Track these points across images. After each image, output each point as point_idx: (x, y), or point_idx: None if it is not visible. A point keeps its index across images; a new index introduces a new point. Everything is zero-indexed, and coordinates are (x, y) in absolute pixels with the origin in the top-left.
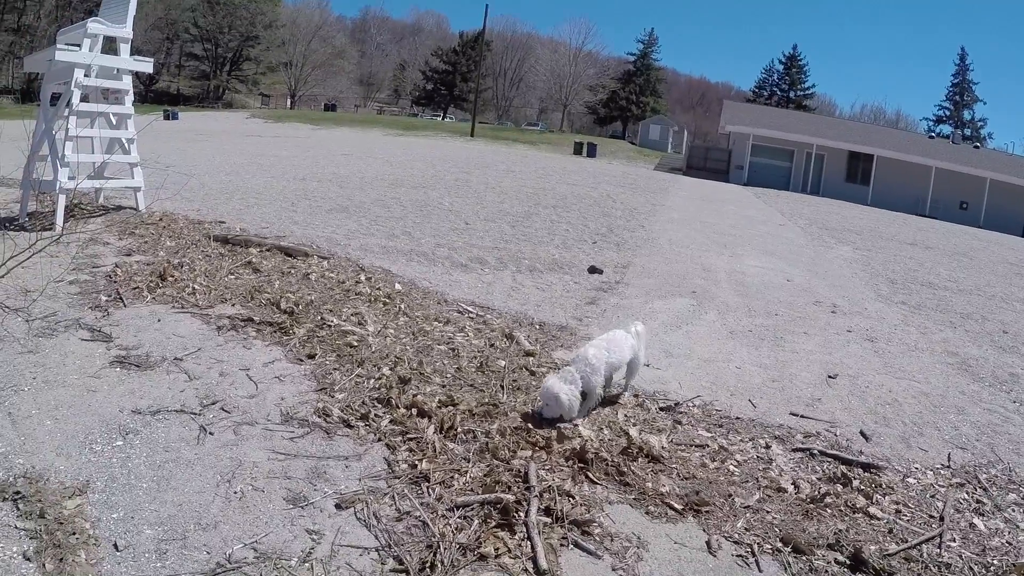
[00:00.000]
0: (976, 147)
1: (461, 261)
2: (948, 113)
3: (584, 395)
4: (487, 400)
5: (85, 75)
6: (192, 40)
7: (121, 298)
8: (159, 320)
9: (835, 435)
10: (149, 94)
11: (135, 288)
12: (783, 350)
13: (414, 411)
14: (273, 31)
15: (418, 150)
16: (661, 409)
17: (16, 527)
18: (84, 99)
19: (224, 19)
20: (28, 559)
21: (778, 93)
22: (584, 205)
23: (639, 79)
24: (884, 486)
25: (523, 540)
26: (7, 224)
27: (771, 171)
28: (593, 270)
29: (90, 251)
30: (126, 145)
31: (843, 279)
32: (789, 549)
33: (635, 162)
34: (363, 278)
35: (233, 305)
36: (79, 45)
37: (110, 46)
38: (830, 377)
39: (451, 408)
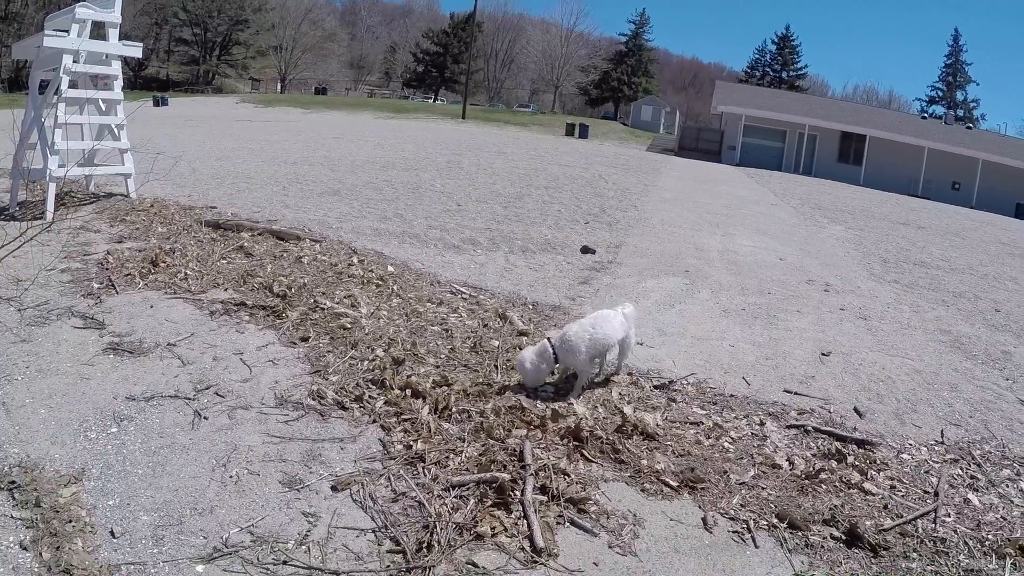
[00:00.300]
0: (968, 128)
1: (454, 242)
2: (941, 94)
3: (557, 369)
4: (481, 380)
5: (74, 61)
6: (181, 25)
7: (113, 285)
8: (152, 306)
9: (829, 412)
10: (138, 80)
11: (127, 275)
12: (776, 328)
13: (408, 392)
14: (263, 15)
15: (409, 132)
16: (655, 387)
17: (12, 516)
18: (73, 85)
19: (213, 3)
20: (25, 548)
21: (771, 74)
22: (576, 186)
23: (631, 60)
24: (879, 462)
25: (519, 519)
26: None
27: (763, 151)
28: (586, 250)
29: (81, 239)
30: (116, 131)
31: (836, 258)
32: (785, 525)
33: (627, 143)
34: (356, 260)
35: (226, 290)
36: (67, 31)
37: (98, 32)
38: (823, 355)
39: (445, 388)
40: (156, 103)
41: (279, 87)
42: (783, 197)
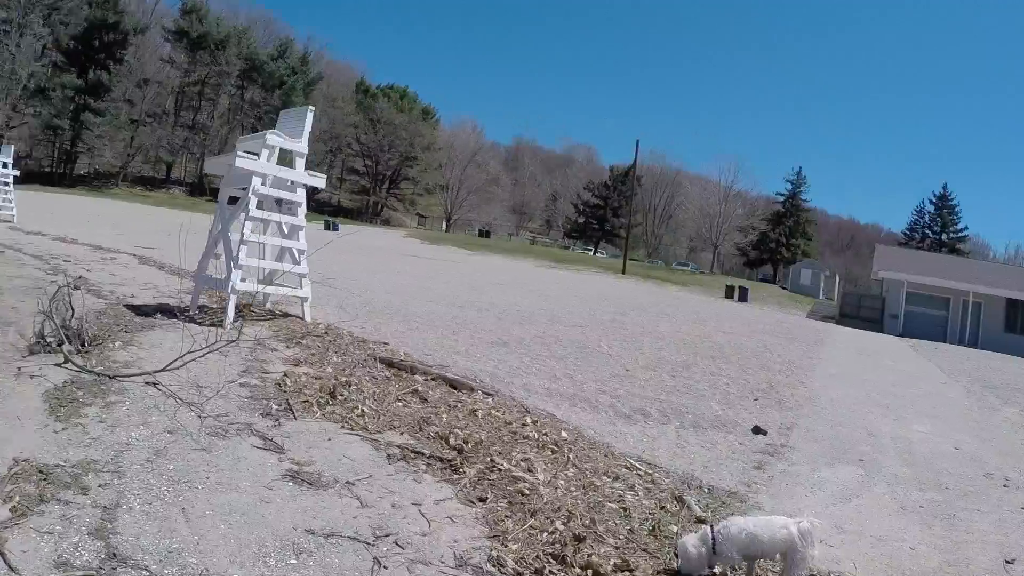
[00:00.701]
0: None
1: (624, 411)
2: None
3: (715, 560)
4: (663, 568)
5: (262, 183)
6: (354, 155)
7: (291, 409)
8: (329, 439)
9: None
10: (311, 203)
11: (304, 401)
12: (956, 529)
13: (589, 572)
14: (431, 153)
15: (571, 285)
16: None
17: None
18: (259, 206)
19: (385, 138)
20: None
21: (930, 236)
22: (742, 356)
23: (788, 221)
24: None
25: None
26: (177, 313)
27: (926, 320)
28: (757, 431)
29: (259, 355)
30: (296, 255)
31: (1013, 447)
32: None
33: (787, 309)
34: (529, 420)
35: (402, 433)
36: (257, 154)
37: (286, 158)
38: (1007, 562)
39: (627, 573)
40: (328, 227)
41: (444, 225)
42: (951, 374)
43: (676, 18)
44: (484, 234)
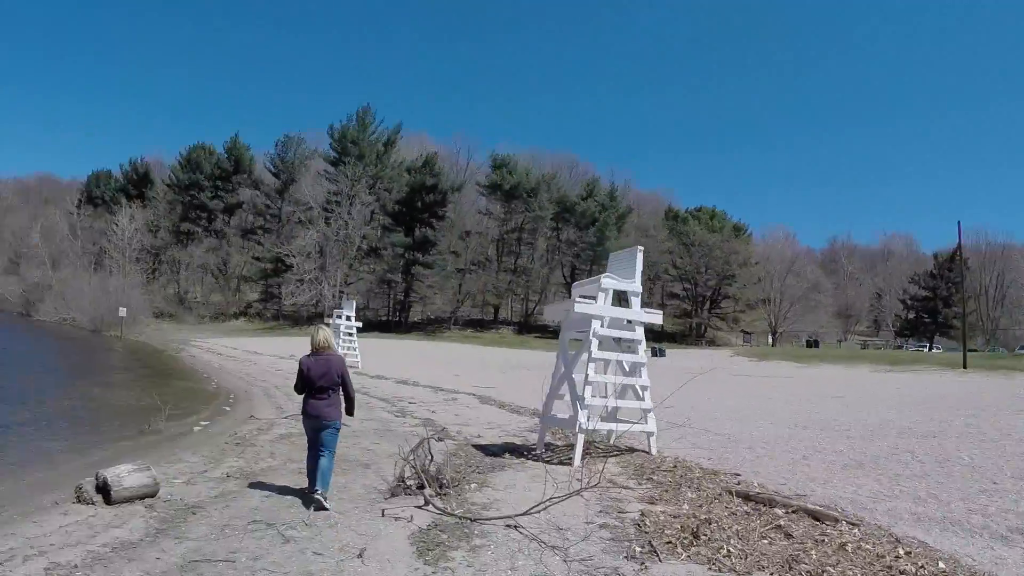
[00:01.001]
0: None
1: (1000, 532)
2: None
3: None
4: None
5: (601, 325)
6: (672, 280)
7: (656, 552)
8: None
9: None
10: None
11: (668, 543)
12: None
13: None
14: (748, 269)
15: (913, 388)
16: None
17: None
18: (599, 346)
19: (700, 259)
20: None
21: None
22: None
23: None
24: None
25: None
26: (525, 452)
27: None
28: None
29: (612, 493)
30: (639, 391)
31: None
32: None
33: None
34: (902, 552)
35: (771, 574)
36: (594, 297)
37: (620, 298)
38: None
39: None
40: (654, 354)
41: (769, 339)
42: None
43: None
44: (812, 344)
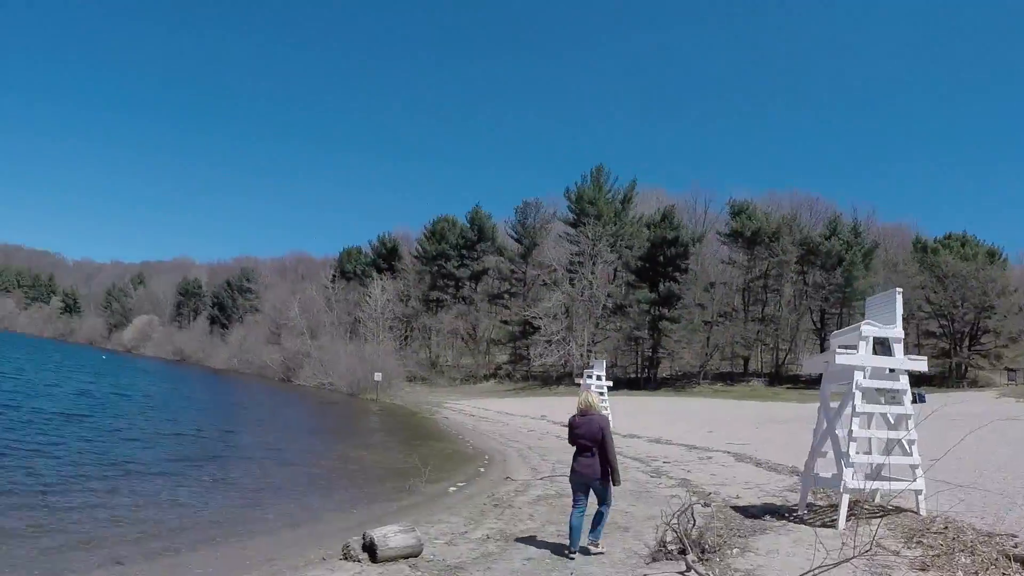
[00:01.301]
0: None
1: None
2: None
3: None
4: None
5: (863, 376)
6: (926, 317)
7: None
8: None
9: None
10: None
11: None
12: None
13: None
14: (1007, 298)
15: None
16: None
17: None
18: (862, 399)
19: (955, 292)
20: None
21: None
22: None
23: None
24: None
25: None
26: (786, 514)
27: None
28: None
29: (880, 559)
30: (907, 446)
31: None
32: None
33: None
34: None
35: None
36: (854, 347)
37: (880, 345)
38: None
39: None
40: (914, 399)
41: None
42: None
43: None
44: None
